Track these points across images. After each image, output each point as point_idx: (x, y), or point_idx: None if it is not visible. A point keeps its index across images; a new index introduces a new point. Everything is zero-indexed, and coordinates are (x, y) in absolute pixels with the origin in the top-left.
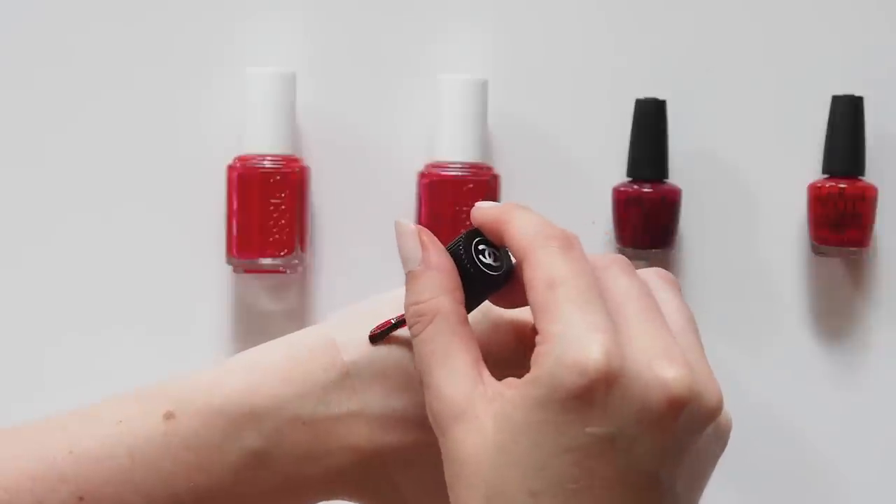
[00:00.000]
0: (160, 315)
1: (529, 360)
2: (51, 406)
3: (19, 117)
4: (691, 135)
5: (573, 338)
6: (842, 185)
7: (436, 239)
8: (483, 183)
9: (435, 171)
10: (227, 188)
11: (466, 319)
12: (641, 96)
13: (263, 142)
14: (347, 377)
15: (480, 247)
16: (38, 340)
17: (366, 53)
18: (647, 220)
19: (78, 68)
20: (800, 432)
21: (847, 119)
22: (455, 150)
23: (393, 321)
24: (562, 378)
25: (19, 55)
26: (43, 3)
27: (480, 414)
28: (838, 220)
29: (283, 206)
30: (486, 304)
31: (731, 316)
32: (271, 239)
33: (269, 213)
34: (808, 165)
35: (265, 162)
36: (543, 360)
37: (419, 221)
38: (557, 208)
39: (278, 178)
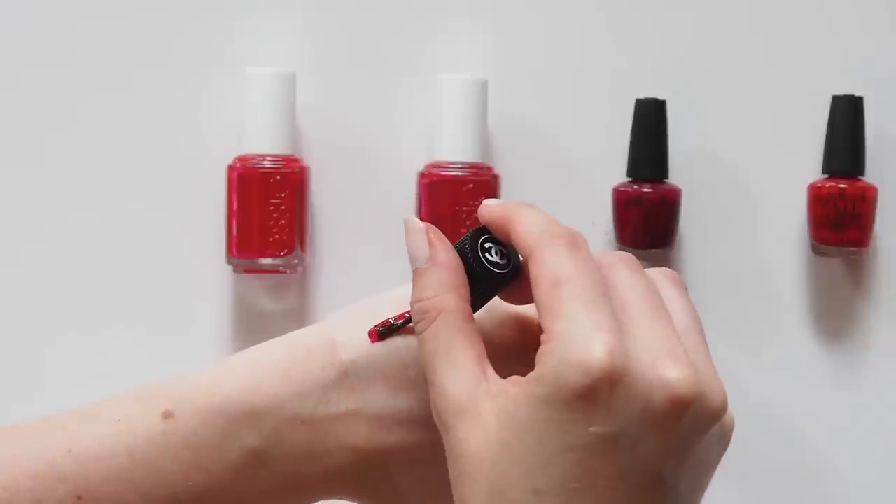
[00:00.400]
0: (160, 315)
1: (532, 357)
2: (50, 405)
3: (19, 117)
4: (691, 135)
5: (577, 337)
6: (842, 185)
7: (443, 236)
8: (483, 183)
9: (435, 171)
10: (227, 188)
11: (471, 317)
12: (641, 96)
13: (263, 142)
14: (346, 376)
15: (487, 245)
16: (38, 340)
17: (366, 53)
18: (647, 220)
19: (78, 68)
20: (800, 432)
21: (847, 119)
22: (455, 150)
23: (391, 320)
24: (566, 377)
25: (19, 55)
26: (42, 2)
27: (484, 411)
28: (838, 220)
29: (283, 206)
30: (493, 300)
31: (731, 316)
32: (271, 239)
33: (269, 213)
34: (808, 165)
35: (265, 162)
36: (547, 358)
37: None
38: (557, 208)
39: (278, 178)
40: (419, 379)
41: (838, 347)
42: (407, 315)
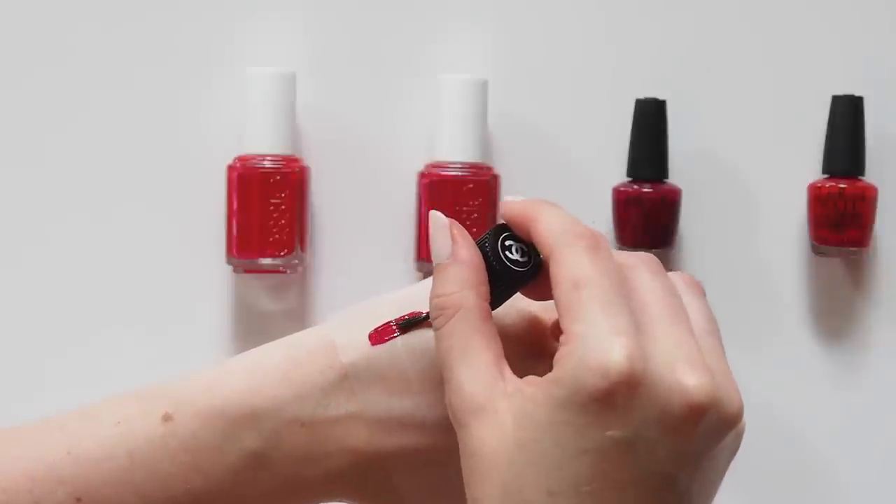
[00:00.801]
0: (160, 315)
1: (550, 355)
2: (50, 405)
3: (19, 117)
4: (691, 135)
5: (596, 340)
6: (842, 185)
7: (466, 233)
8: (483, 183)
9: (435, 171)
10: (227, 188)
11: (490, 315)
12: (641, 96)
13: (263, 142)
14: (346, 379)
15: (508, 242)
16: (38, 340)
17: (366, 53)
18: (647, 220)
19: (78, 68)
20: (800, 432)
21: (847, 119)
22: (455, 150)
23: (393, 324)
24: (584, 380)
25: (19, 55)
26: (42, 3)
27: (500, 410)
28: (838, 220)
29: (283, 206)
30: (513, 298)
31: (731, 316)
32: (271, 239)
33: (269, 213)
34: (808, 165)
35: (265, 162)
36: (566, 360)
37: (419, 221)
38: None
39: (278, 178)
40: (419, 382)
41: (838, 347)
42: (405, 316)
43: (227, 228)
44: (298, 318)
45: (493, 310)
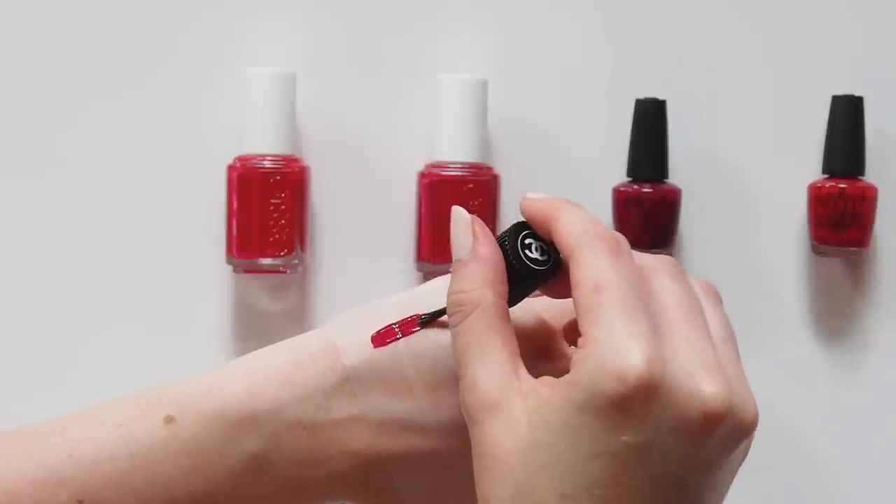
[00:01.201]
0: (160, 315)
1: (563, 355)
2: (50, 405)
3: (19, 118)
4: (691, 135)
5: (615, 344)
6: (842, 185)
7: (488, 230)
8: (483, 183)
9: (435, 171)
10: (227, 188)
11: (507, 314)
12: (641, 96)
13: (263, 142)
14: (348, 381)
15: (527, 240)
16: (38, 340)
17: (366, 53)
18: (647, 220)
19: (78, 69)
20: (800, 432)
21: (847, 119)
22: (455, 150)
23: (395, 327)
24: (602, 384)
25: (19, 56)
26: (42, 3)
27: (514, 409)
28: (838, 220)
29: (283, 206)
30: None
31: (731, 316)
32: (271, 239)
33: (269, 213)
34: (808, 165)
35: (265, 162)
36: (584, 363)
37: (419, 221)
38: None
39: (278, 178)
40: (421, 384)
41: (838, 347)
42: (408, 318)
43: (227, 228)
44: (298, 318)
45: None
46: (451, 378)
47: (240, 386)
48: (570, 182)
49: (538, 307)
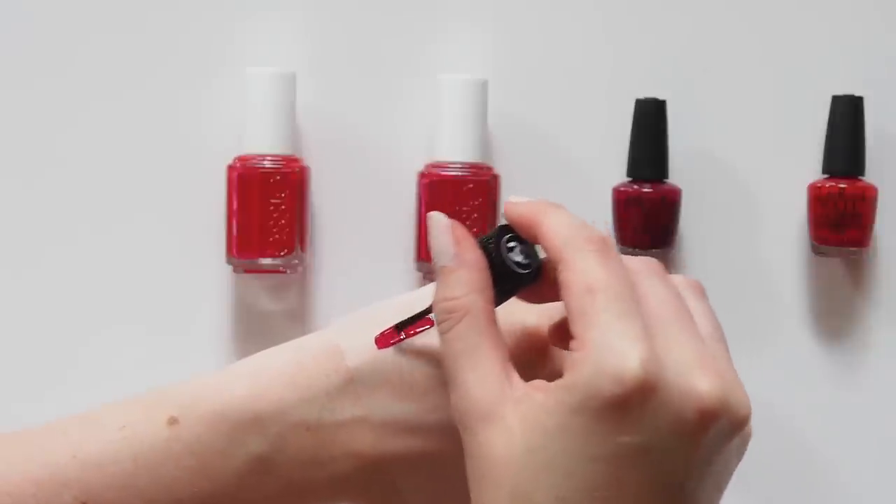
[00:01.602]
0: (160, 315)
1: (551, 358)
2: (51, 406)
3: (18, 118)
4: (691, 135)
5: (611, 346)
6: (842, 185)
7: (469, 235)
8: (483, 183)
9: (435, 171)
10: (227, 188)
11: (495, 319)
12: (641, 96)
13: (263, 142)
14: (351, 383)
15: (511, 244)
16: (38, 341)
17: (366, 53)
18: (647, 220)
19: (78, 68)
20: (800, 432)
21: (847, 119)
22: (455, 150)
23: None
24: (599, 386)
25: (19, 56)
26: (42, 3)
27: (508, 415)
28: (838, 220)
29: (283, 206)
30: (508, 302)
31: (731, 316)
32: (271, 239)
33: (269, 213)
34: (808, 165)
35: (265, 162)
36: (580, 366)
37: (419, 221)
38: None
39: (278, 178)
40: (424, 385)
41: (838, 347)
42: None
43: (227, 228)
44: (298, 318)
45: None
46: None
47: (243, 387)
48: (570, 182)
49: (523, 310)
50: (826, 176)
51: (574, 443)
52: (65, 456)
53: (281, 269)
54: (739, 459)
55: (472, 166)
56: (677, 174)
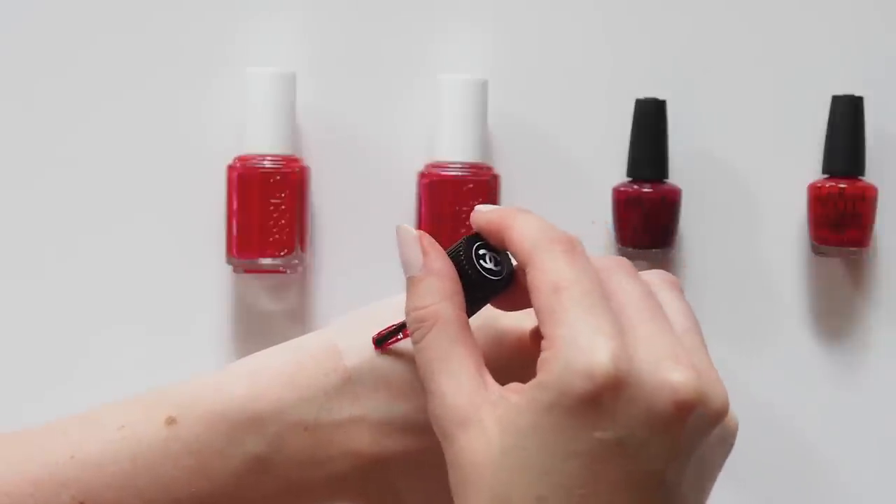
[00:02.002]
0: (160, 315)
1: (527, 364)
2: (51, 406)
3: (18, 118)
4: (691, 135)
5: (580, 342)
6: (842, 185)
7: (437, 244)
8: (483, 183)
9: (435, 171)
10: (227, 188)
11: (468, 325)
12: (641, 96)
13: (263, 142)
14: (349, 383)
15: (481, 251)
16: (38, 341)
17: (366, 53)
18: (647, 220)
19: (78, 69)
20: (800, 432)
21: (847, 119)
22: (455, 150)
23: (394, 326)
24: (570, 383)
25: (20, 57)
26: (43, 4)
27: (485, 419)
28: (838, 220)
29: (283, 206)
30: (484, 309)
31: (731, 316)
32: (271, 239)
33: (269, 213)
34: (808, 165)
35: (265, 162)
36: (551, 364)
37: (419, 221)
38: (557, 208)
39: (278, 178)
40: (422, 385)
41: (838, 347)
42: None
43: (227, 228)
44: (298, 318)
45: None
46: None
47: (242, 387)
48: (570, 182)
49: (498, 315)
50: (826, 176)
51: (549, 441)
52: (63, 456)
53: (281, 269)
54: (726, 453)
55: (472, 166)
56: (677, 174)
